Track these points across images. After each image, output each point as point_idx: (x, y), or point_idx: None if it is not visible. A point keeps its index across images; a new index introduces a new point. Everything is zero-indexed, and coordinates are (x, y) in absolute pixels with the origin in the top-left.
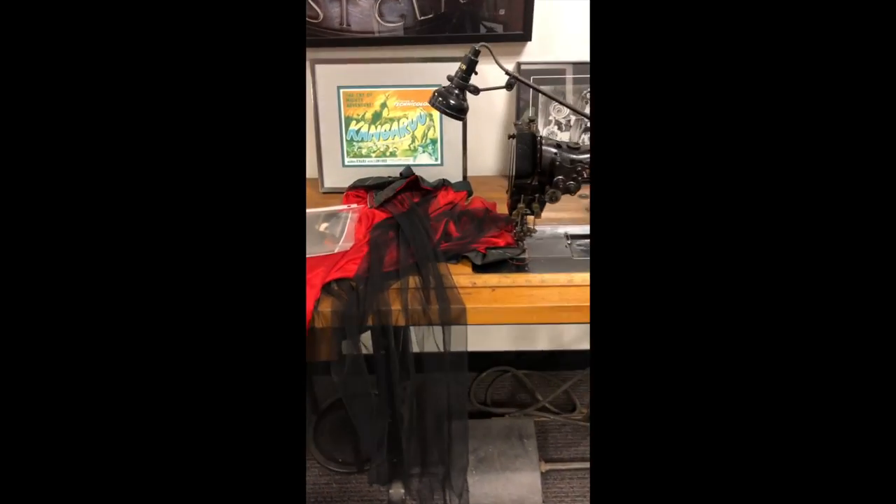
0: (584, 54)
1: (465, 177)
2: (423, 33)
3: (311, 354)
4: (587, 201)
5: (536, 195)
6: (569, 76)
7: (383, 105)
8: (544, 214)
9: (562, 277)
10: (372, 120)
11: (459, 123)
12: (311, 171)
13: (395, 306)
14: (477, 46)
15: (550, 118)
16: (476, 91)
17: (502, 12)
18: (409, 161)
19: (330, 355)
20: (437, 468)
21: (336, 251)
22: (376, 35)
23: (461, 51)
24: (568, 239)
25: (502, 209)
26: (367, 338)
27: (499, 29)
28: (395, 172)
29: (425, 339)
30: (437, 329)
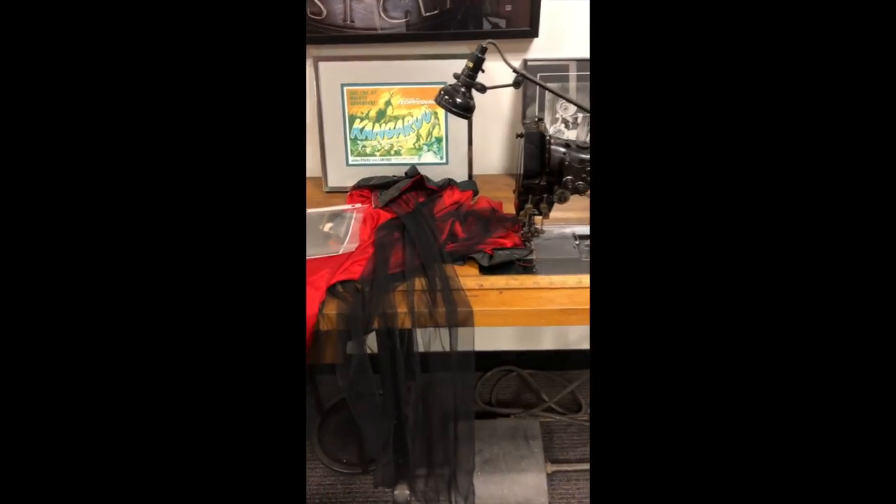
0: (588, 50)
1: (470, 176)
2: (428, 30)
3: (315, 357)
4: None
5: (544, 195)
6: (572, 73)
7: (388, 103)
8: (551, 214)
9: (570, 279)
10: (376, 118)
11: (465, 121)
12: (314, 169)
13: (401, 308)
14: (484, 43)
15: (557, 116)
16: (483, 89)
17: (508, 8)
18: (414, 160)
19: (335, 358)
20: (443, 469)
21: (341, 252)
22: (380, 32)
23: (467, 48)
24: (576, 239)
25: (508, 209)
26: (371, 337)
27: (502, 24)
28: (400, 171)
29: (432, 342)
30: (444, 331)
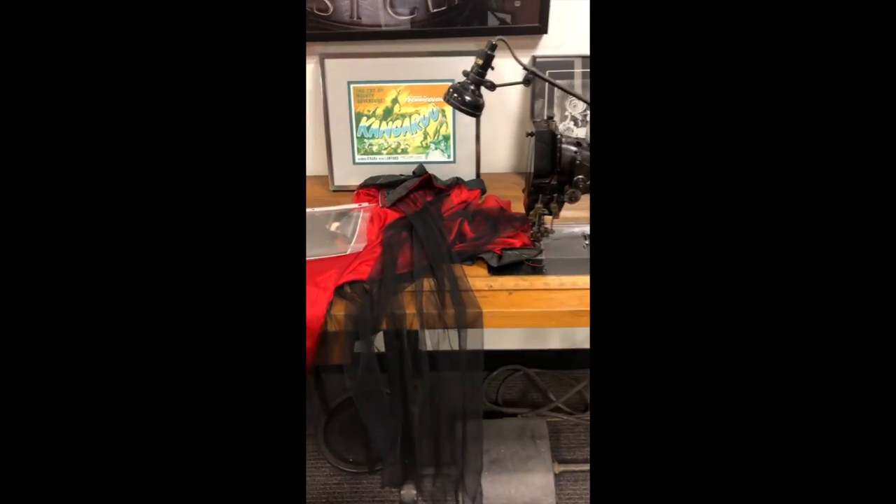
0: None
1: (478, 174)
2: (436, 26)
3: (322, 357)
4: None
5: (555, 195)
6: (577, 70)
7: (394, 101)
8: (561, 213)
9: (580, 280)
10: (383, 116)
11: (472, 119)
12: (320, 168)
13: (410, 310)
14: (494, 40)
15: (566, 113)
16: (493, 87)
17: (518, 3)
18: (421, 158)
19: (343, 358)
20: (450, 469)
21: (348, 252)
22: (387, 28)
23: (475, 44)
24: (586, 239)
25: (516, 207)
26: (378, 336)
27: (508, 20)
28: (407, 170)
29: (440, 342)
30: (452, 332)
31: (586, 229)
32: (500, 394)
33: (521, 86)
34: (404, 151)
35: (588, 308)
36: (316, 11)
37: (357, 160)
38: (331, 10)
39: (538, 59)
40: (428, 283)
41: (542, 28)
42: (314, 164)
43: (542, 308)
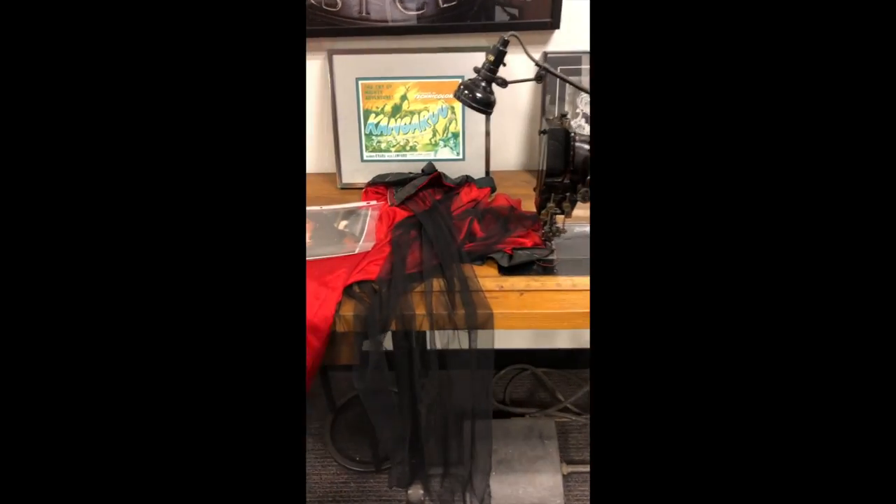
0: None
1: (487, 172)
2: (445, 21)
3: (331, 358)
4: None
5: (567, 194)
6: (585, 66)
7: (403, 97)
8: (573, 212)
9: None
10: (391, 113)
11: (482, 116)
12: (328, 165)
13: (419, 310)
14: (506, 36)
15: (578, 111)
16: (504, 84)
17: None
18: (430, 155)
19: (351, 359)
20: (458, 469)
21: (357, 251)
22: (396, 24)
23: (486, 40)
24: None
25: (527, 206)
26: (387, 334)
27: (516, 13)
28: (415, 167)
29: (450, 343)
30: (462, 333)
31: None
32: (508, 393)
33: (530, 82)
34: (413, 149)
35: None
36: (324, 7)
37: (365, 157)
38: (339, 5)
39: (549, 55)
40: (437, 284)
41: (553, 23)
42: (322, 161)
43: (554, 309)
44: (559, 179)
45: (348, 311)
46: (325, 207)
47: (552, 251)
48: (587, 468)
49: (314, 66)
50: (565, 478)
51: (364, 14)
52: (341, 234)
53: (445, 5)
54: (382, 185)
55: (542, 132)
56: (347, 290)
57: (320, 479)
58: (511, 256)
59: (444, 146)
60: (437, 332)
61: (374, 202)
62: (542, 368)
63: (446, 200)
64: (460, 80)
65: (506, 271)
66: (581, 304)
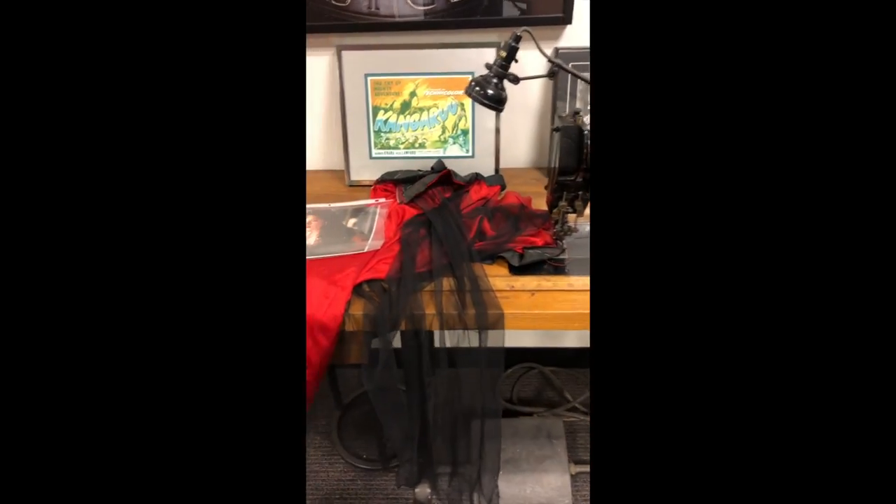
0: None
1: (497, 169)
2: (455, 16)
3: (339, 357)
4: None
5: (580, 192)
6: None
7: (412, 94)
8: (585, 211)
9: None
10: (400, 109)
11: (492, 113)
12: (337, 162)
13: (429, 310)
14: (518, 31)
15: (590, 107)
16: (516, 80)
17: None
18: (439, 153)
19: (360, 358)
20: (466, 468)
21: (366, 250)
22: (406, 19)
23: (497, 36)
24: None
25: (537, 204)
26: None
27: (525, 8)
28: (424, 165)
29: (459, 342)
30: (472, 333)
31: None
32: (515, 392)
33: (541, 78)
34: (422, 146)
35: None
36: (333, 2)
37: (374, 154)
38: (348, 0)
39: (560, 51)
40: (447, 283)
41: (566, 18)
42: (330, 158)
43: (566, 310)
44: (572, 178)
45: (357, 309)
46: (333, 205)
47: (563, 250)
48: None
49: (323, 62)
50: (573, 478)
51: (373, 9)
52: (350, 232)
53: (456, 0)
54: (391, 183)
55: (556, 130)
56: (357, 289)
57: (327, 476)
58: (522, 256)
59: (454, 143)
60: (447, 337)
61: (382, 200)
62: (549, 367)
63: (456, 198)
64: (470, 77)
65: (516, 271)
66: None
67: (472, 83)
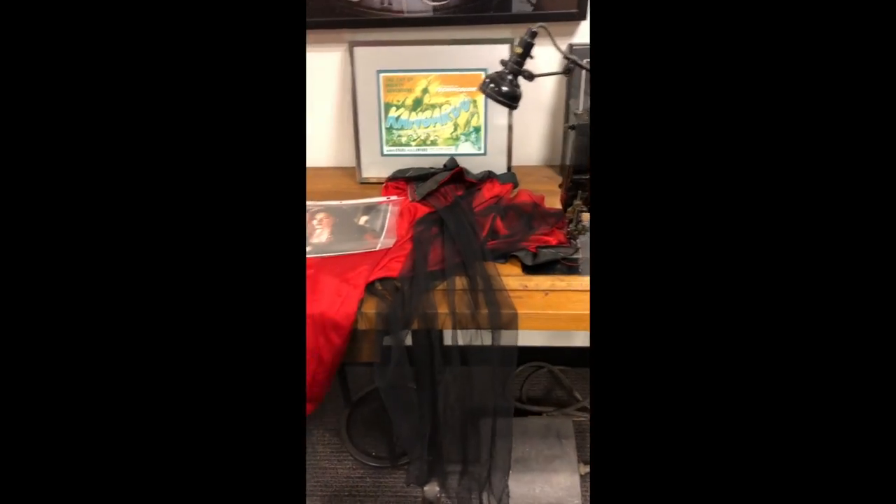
0: None
1: (509, 167)
2: (469, 12)
3: (351, 355)
4: None
5: None
6: None
7: (425, 90)
8: None
9: None
10: (412, 106)
11: (504, 110)
12: (348, 159)
13: (442, 309)
14: (534, 28)
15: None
16: (531, 77)
17: None
18: (451, 150)
19: (372, 356)
20: (476, 467)
21: (378, 248)
22: (419, 15)
23: (510, 32)
24: None
25: (550, 202)
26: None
27: (534, 2)
28: (436, 162)
29: (472, 340)
30: (485, 331)
31: None
32: (525, 391)
33: (554, 75)
34: (434, 143)
35: None
36: None
37: (385, 152)
38: None
39: (575, 47)
40: (460, 282)
41: (580, 14)
42: (342, 155)
43: (580, 310)
44: (586, 176)
45: (370, 308)
46: (344, 202)
47: (577, 249)
48: None
49: (335, 58)
50: (583, 478)
51: (386, 5)
52: (362, 229)
53: None
54: (402, 181)
55: (571, 127)
56: (370, 288)
57: (336, 473)
58: (535, 255)
59: (466, 140)
60: (460, 336)
61: (394, 197)
62: (559, 366)
63: (468, 196)
64: (483, 73)
65: (530, 270)
66: None
67: (487, 80)
